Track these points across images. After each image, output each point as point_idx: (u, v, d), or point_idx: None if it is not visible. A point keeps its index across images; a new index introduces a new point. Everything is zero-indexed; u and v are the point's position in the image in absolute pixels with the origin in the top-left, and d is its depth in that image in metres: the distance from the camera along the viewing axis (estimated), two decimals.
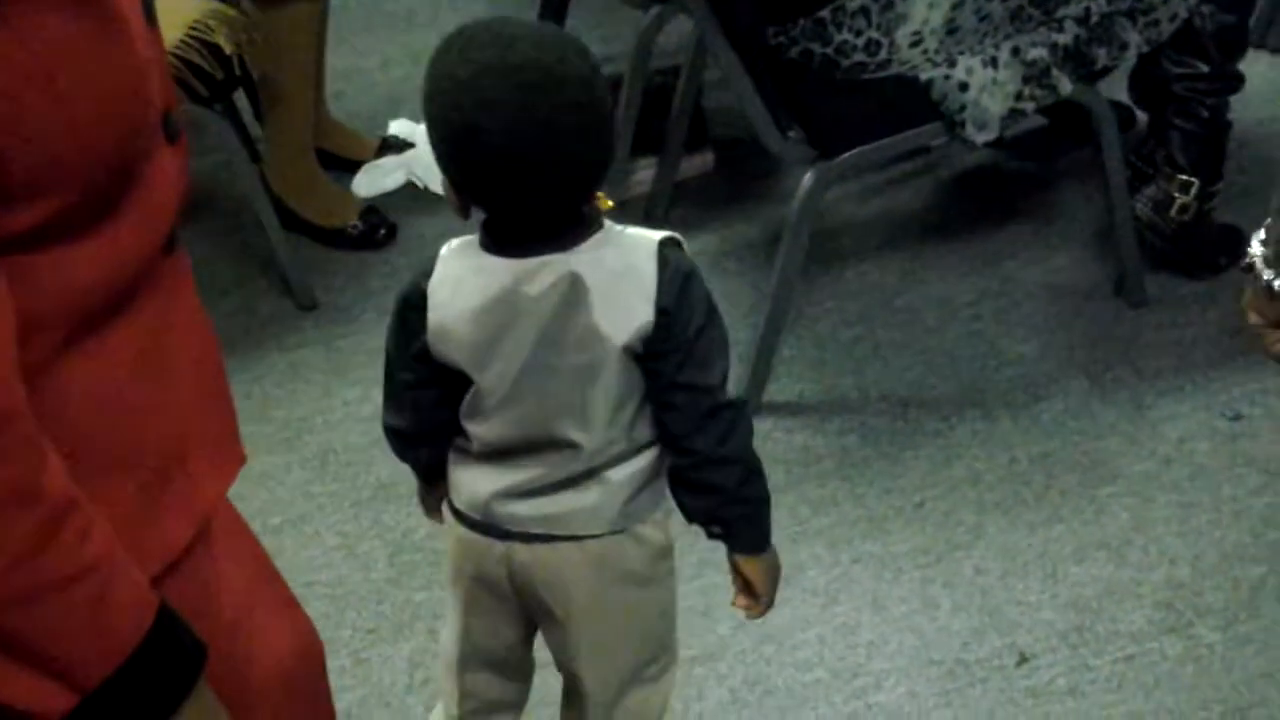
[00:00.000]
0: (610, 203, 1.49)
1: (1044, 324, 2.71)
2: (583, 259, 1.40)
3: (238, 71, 2.66)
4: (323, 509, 2.47)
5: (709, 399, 1.46)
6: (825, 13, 2.31)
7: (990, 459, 2.46)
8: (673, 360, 1.43)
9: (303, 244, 2.99)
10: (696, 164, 3.10)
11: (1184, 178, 2.61)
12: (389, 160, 3.16)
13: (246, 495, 2.47)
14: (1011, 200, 3.01)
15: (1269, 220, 1.31)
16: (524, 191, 1.36)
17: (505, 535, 1.55)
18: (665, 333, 1.41)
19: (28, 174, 0.94)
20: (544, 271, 1.40)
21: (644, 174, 3.04)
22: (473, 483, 1.55)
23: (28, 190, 0.94)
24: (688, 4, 2.31)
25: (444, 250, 1.47)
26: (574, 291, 1.40)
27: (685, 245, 1.46)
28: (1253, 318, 1.35)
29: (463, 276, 1.44)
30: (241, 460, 1.22)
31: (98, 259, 1.01)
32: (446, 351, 1.46)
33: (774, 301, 2.50)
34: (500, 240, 1.43)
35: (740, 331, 2.67)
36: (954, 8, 2.34)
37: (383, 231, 2.98)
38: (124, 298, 1.05)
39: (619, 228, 1.44)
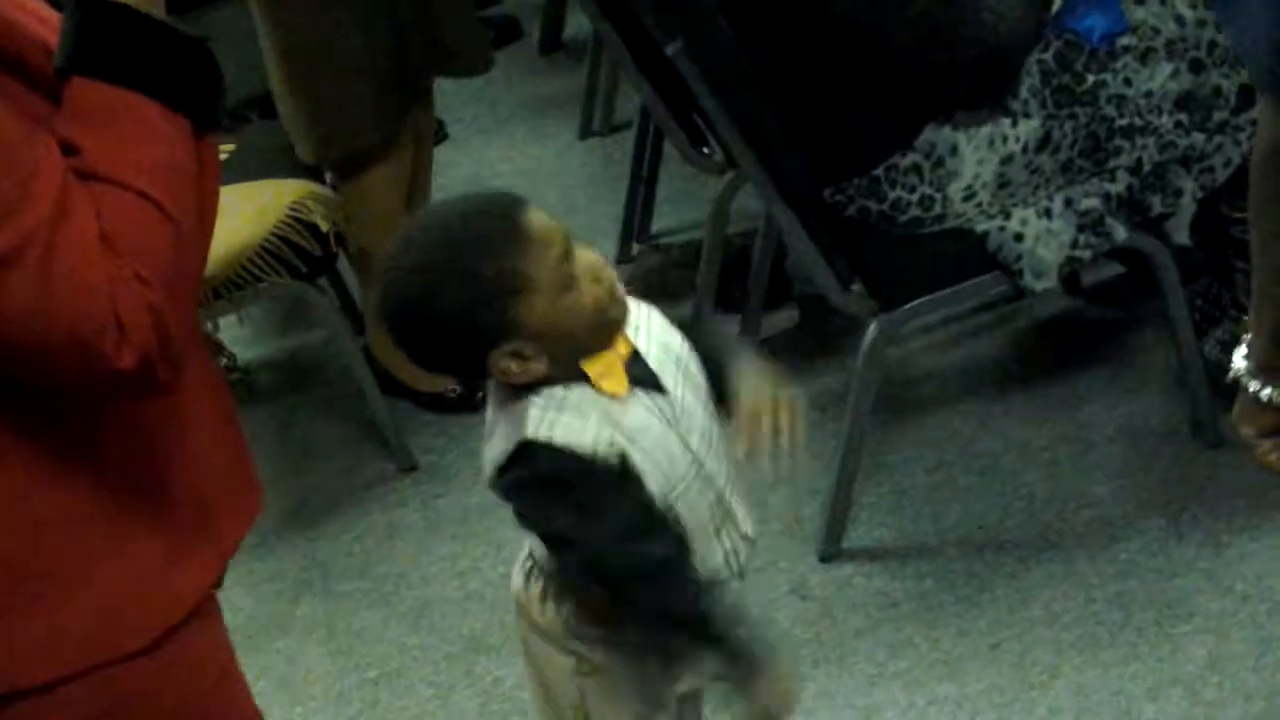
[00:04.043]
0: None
1: (1121, 466, 2.74)
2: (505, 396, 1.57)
3: (334, 248, 2.84)
4: (417, 661, 2.56)
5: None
6: (879, 171, 2.42)
7: (1066, 599, 2.48)
8: None
9: (403, 408, 3.13)
10: (780, 320, 3.20)
11: (1249, 318, 2.65)
12: None
13: (345, 650, 2.61)
14: (1090, 347, 3.06)
15: (1248, 336, 1.37)
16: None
17: None
18: None
19: None
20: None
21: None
22: None
23: None
24: (745, 169, 2.43)
25: None
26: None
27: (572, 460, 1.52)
28: (1244, 430, 1.39)
29: None
30: (258, 507, 1.39)
31: None
32: None
33: (846, 449, 2.57)
34: None
35: (820, 480, 2.74)
36: (1003, 162, 2.43)
37: (480, 394, 3.11)
38: None
39: (534, 409, 1.53)
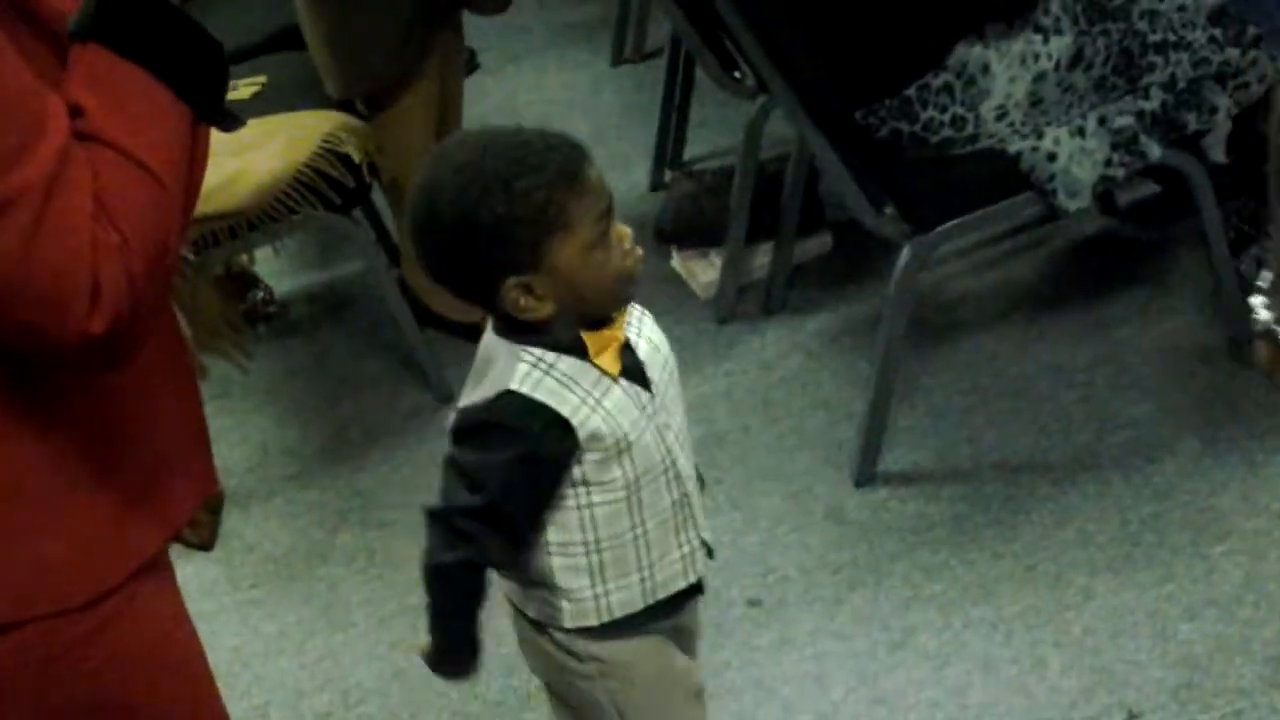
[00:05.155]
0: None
1: (1158, 387, 2.73)
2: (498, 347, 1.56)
3: (367, 179, 2.84)
4: None
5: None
6: (911, 91, 2.40)
7: (1102, 521, 2.48)
8: None
9: (441, 339, 3.14)
10: (813, 246, 3.19)
11: (1274, 265, 2.62)
12: None
13: (386, 578, 2.64)
14: (1127, 267, 3.04)
15: (1268, 281, 1.35)
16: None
17: None
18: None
19: None
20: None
21: (762, 259, 3.13)
22: None
23: None
24: (774, 92, 2.42)
25: None
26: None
27: (540, 417, 1.53)
28: (1278, 378, 1.37)
29: None
30: (213, 486, 1.41)
31: None
32: None
33: (879, 372, 2.57)
34: None
35: (855, 405, 2.75)
36: (1036, 80, 2.41)
37: None
38: None
39: (523, 363, 1.52)
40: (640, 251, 1.55)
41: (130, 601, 1.30)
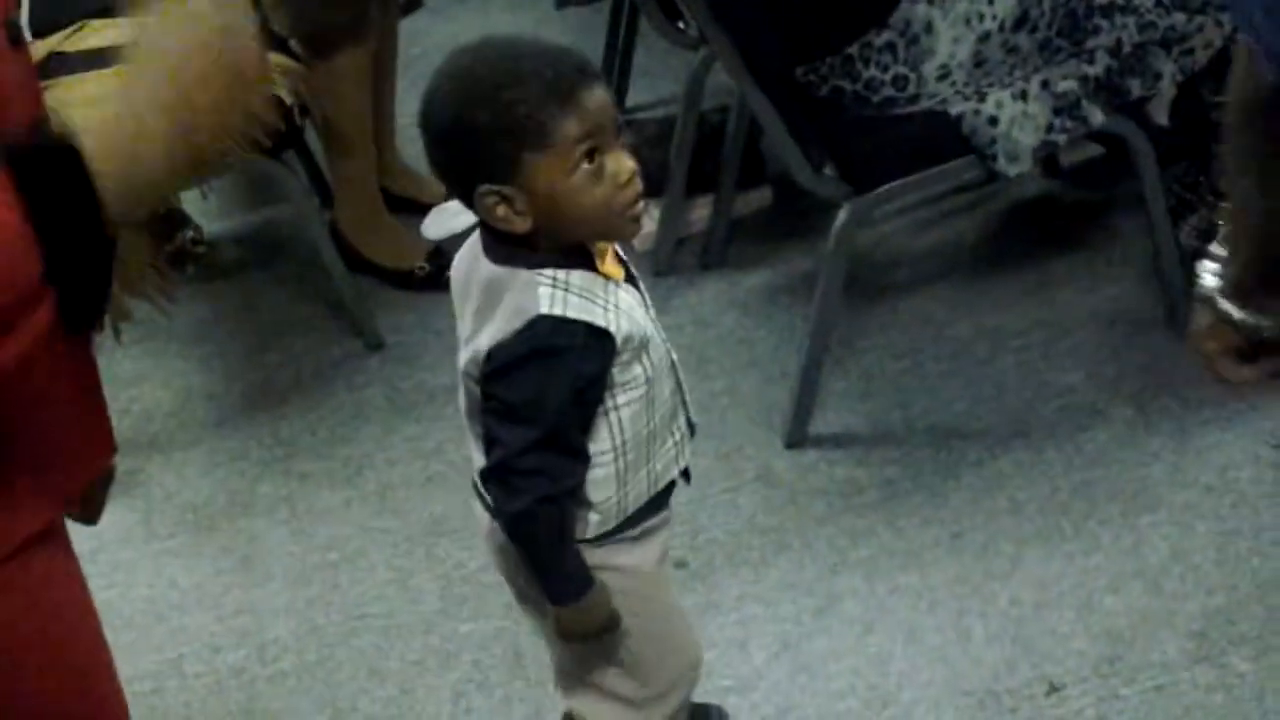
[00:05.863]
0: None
1: (1093, 354, 2.71)
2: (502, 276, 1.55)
3: (298, 121, 2.77)
4: (378, 544, 2.55)
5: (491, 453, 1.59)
6: (853, 49, 2.36)
7: (1031, 489, 2.47)
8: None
9: (374, 286, 3.09)
10: (753, 201, 3.15)
11: (1227, 205, 2.60)
12: (456, 202, 3.23)
13: (307, 530, 2.59)
14: (1068, 230, 3.02)
15: (1220, 252, 1.35)
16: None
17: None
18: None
19: None
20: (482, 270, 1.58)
21: (701, 212, 3.09)
22: None
23: None
24: (714, 46, 2.37)
25: None
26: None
27: (578, 333, 1.53)
28: (1209, 345, 1.39)
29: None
30: (110, 457, 1.37)
31: None
32: None
33: (813, 334, 2.54)
34: None
35: (789, 364, 2.72)
36: (980, 41, 2.37)
37: (449, 273, 3.06)
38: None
39: (543, 285, 1.51)
40: (639, 187, 1.53)
41: (17, 574, 1.26)
